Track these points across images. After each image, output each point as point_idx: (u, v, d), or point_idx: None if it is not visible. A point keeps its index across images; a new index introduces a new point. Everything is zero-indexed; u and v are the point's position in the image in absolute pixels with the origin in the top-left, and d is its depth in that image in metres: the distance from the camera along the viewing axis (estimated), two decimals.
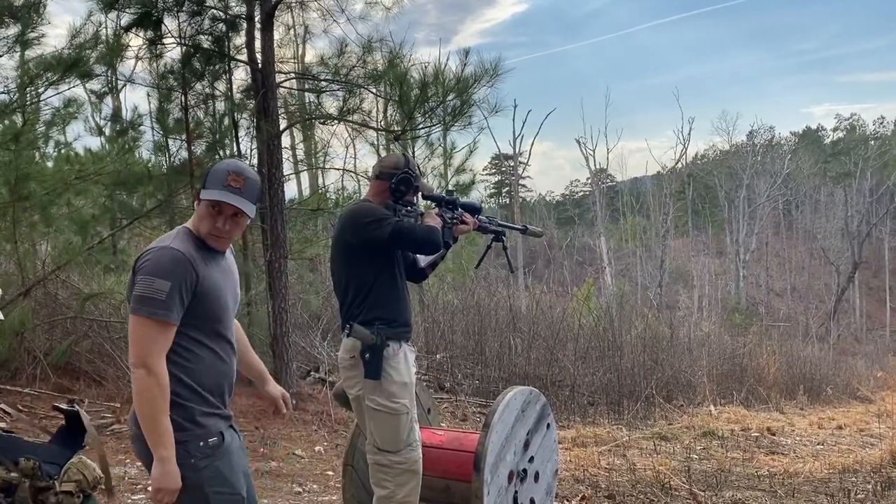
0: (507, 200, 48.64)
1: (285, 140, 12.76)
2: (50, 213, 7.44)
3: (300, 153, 16.51)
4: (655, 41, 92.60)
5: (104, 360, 7.35)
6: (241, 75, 8.36)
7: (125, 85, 8.82)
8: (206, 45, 7.62)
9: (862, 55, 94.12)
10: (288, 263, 7.74)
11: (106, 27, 7.43)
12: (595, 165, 43.21)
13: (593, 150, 41.42)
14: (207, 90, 7.88)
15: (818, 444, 8.26)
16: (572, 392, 9.92)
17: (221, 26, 7.62)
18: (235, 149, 8.06)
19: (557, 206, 59.64)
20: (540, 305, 12.84)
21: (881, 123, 59.23)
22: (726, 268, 46.11)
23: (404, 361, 3.27)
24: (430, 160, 13.49)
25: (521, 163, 37.98)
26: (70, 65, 6.83)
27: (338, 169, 16.08)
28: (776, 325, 29.21)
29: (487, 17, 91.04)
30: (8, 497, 3.04)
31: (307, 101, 8.82)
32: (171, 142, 7.98)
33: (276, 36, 7.62)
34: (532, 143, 48.42)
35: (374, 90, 7.90)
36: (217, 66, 7.78)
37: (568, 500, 5.12)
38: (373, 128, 8.71)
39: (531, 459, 3.76)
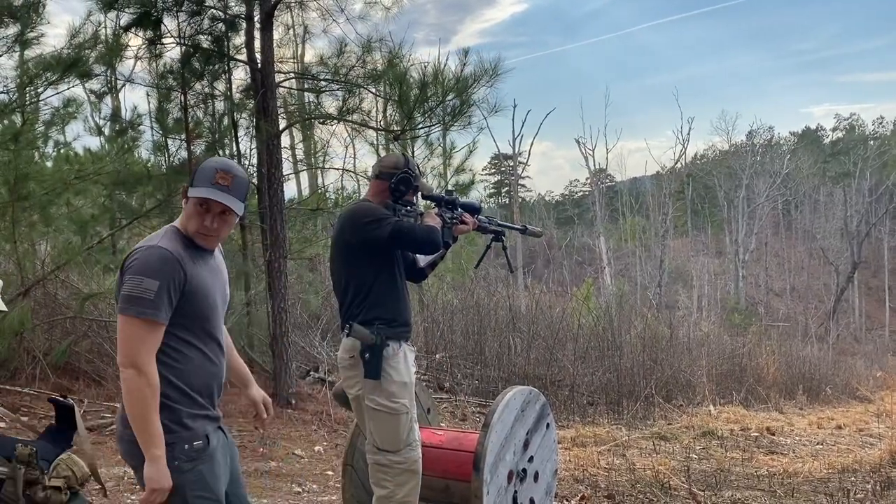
0: (507, 200, 48.66)
1: (285, 140, 12.79)
2: (49, 213, 7.44)
3: (300, 153, 16.54)
4: (655, 41, 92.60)
5: (104, 360, 7.35)
6: (240, 75, 8.38)
7: (124, 85, 8.83)
8: (205, 44, 7.63)
9: (861, 55, 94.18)
10: (287, 263, 7.74)
11: (105, 27, 7.43)
12: (594, 165, 43.21)
13: (593, 150, 41.33)
14: (207, 90, 7.88)
15: (817, 443, 8.26)
16: (572, 392, 9.92)
17: (221, 26, 7.62)
18: (235, 148, 8.07)
19: (557, 206, 59.64)
20: (539, 305, 12.83)
21: (880, 123, 59.31)
22: (725, 268, 46.12)
23: (404, 361, 3.27)
24: (429, 160, 13.51)
25: (520, 163, 38.00)
26: (69, 64, 6.82)
27: (337, 169, 16.10)
28: (775, 325, 29.22)
29: (487, 17, 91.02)
30: None
31: (307, 100, 8.83)
32: (170, 141, 7.98)
33: (276, 36, 7.64)
34: (531, 143, 48.38)
35: (373, 90, 7.91)
36: (216, 66, 7.78)
37: (567, 500, 5.13)
38: (372, 127, 8.72)
39: (531, 459, 3.76)
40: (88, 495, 4.53)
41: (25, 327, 6.70)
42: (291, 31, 9.22)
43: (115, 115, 9.36)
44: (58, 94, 7.24)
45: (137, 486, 4.86)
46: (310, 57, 9.99)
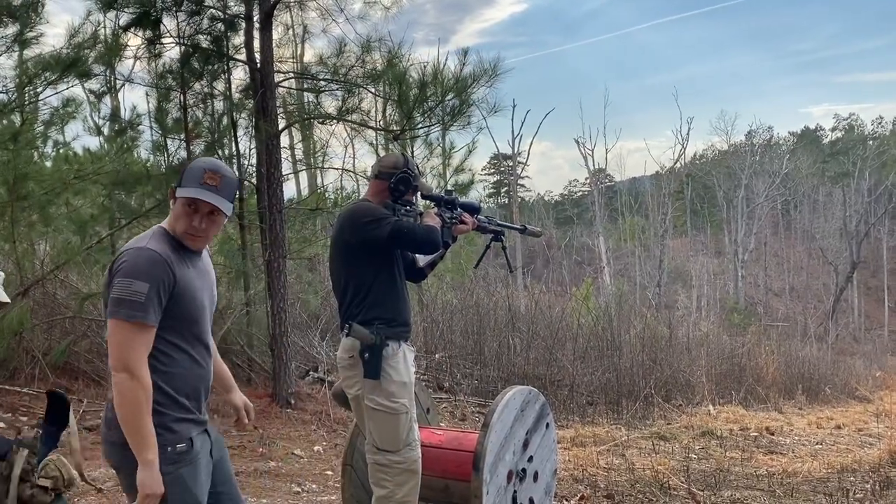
0: (506, 200, 48.63)
1: (284, 140, 12.78)
2: (48, 213, 7.43)
3: (299, 153, 16.55)
4: (654, 41, 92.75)
5: (103, 360, 7.34)
6: (239, 75, 8.39)
7: (124, 84, 8.81)
8: (204, 44, 7.62)
9: (860, 55, 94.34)
10: (287, 263, 7.74)
11: (104, 27, 7.42)
12: (594, 165, 43.23)
13: (592, 150, 41.35)
14: (206, 90, 7.88)
15: (817, 443, 8.26)
16: (571, 392, 9.92)
17: (220, 26, 7.62)
18: (234, 148, 8.07)
19: (556, 206, 59.66)
20: (539, 305, 12.84)
21: (879, 123, 59.37)
22: (725, 267, 46.15)
23: (403, 361, 3.27)
24: (428, 160, 13.52)
25: (519, 163, 38.02)
26: (69, 64, 6.82)
27: (337, 168, 16.12)
28: (775, 324, 29.23)
29: (486, 17, 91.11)
30: None
31: (306, 100, 8.82)
32: (169, 141, 7.98)
33: (275, 35, 7.63)
34: (531, 143, 48.49)
35: (372, 90, 7.91)
36: (216, 66, 7.78)
37: (567, 500, 5.13)
38: (372, 127, 8.72)
39: (530, 459, 3.76)
40: (84, 497, 4.53)
41: (24, 327, 6.69)
42: (291, 31, 9.23)
43: (115, 115, 9.35)
44: (57, 93, 7.24)
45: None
46: (309, 57, 9.99)
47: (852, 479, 5.95)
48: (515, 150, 34.17)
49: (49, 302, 7.93)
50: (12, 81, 7.03)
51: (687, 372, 11.86)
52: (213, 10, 7.54)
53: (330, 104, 8.23)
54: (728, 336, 16.70)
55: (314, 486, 5.37)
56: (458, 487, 3.60)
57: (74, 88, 7.58)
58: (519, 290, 18.69)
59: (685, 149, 44.78)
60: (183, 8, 7.30)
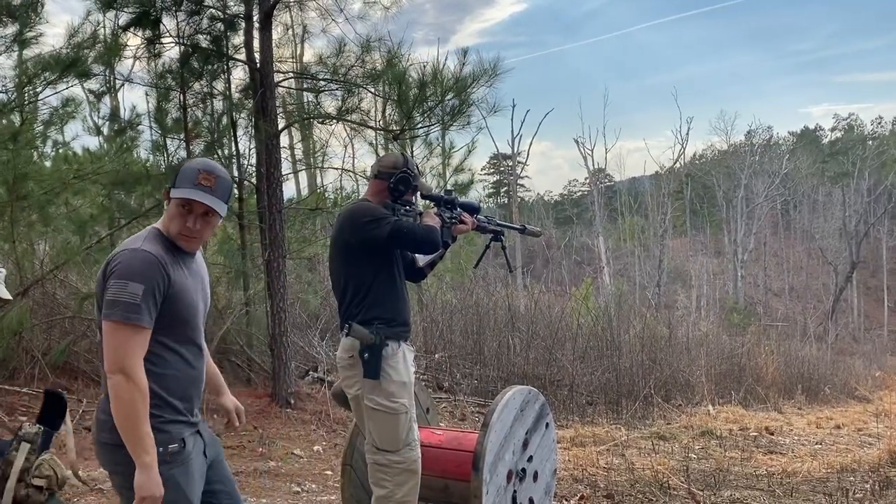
0: (506, 200, 48.65)
1: (284, 139, 12.79)
2: (48, 213, 7.42)
3: (298, 153, 16.54)
4: (653, 41, 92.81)
5: (102, 360, 7.34)
6: (239, 75, 8.38)
7: (123, 84, 8.83)
8: (204, 44, 7.62)
9: (860, 55, 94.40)
10: (286, 263, 7.73)
11: (104, 26, 7.41)
12: (593, 165, 43.26)
13: (591, 150, 41.48)
14: (206, 89, 7.88)
15: (816, 443, 8.26)
16: (571, 392, 9.92)
17: (220, 26, 7.61)
18: (234, 148, 8.07)
19: (556, 206, 59.67)
20: (538, 305, 12.83)
21: (879, 123, 59.40)
22: (724, 267, 46.16)
23: (403, 361, 3.27)
24: (428, 160, 13.51)
25: (519, 162, 38.02)
26: (68, 64, 6.81)
27: (336, 168, 16.09)
28: (774, 324, 29.23)
29: (486, 17, 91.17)
30: None
31: (306, 100, 8.82)
32: (169, 141, 7.98)
33: (275, 35, 7.63)
34: (530, 143, 48.66)
35: (372, 90, 7.90)
36: (215, 66, 7.78)
37: (567, 500, 5.12)
38: (371, 127, 8.71)
39: (530, 459, 3.75)
40: (84, 497, 4.53)
41: (24, 327, 6.69)
42: (290, 31, 9.22)
43: (114, 115, 9.35)
44: (56, 93, 7.23)
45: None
46: (309, 56, 10.00)
47: (852, 478, 5.95)
48: (515, 149, 34.17)
49: (48, 302, 7.93)
50: (12, 81, 7.03)
51: (686, 372, 11.86)
52: (213, 10, 7.54)
53: (329, 104, 8.23)
54: (727, 336, 16.70)
55: (314, 485, 5.37)
56: (458, 487, 3.59)
57: (74, 88, 7.59)
58: (518, 289, 18.69)
59: (685, 149, 44.99)
60: (182, 8, 7.30)
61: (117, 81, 8.71)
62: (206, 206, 2.18)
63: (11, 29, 6.76)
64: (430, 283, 12.17)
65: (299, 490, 5.23)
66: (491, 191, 53.07)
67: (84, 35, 7.09)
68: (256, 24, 7.40)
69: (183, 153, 7.63)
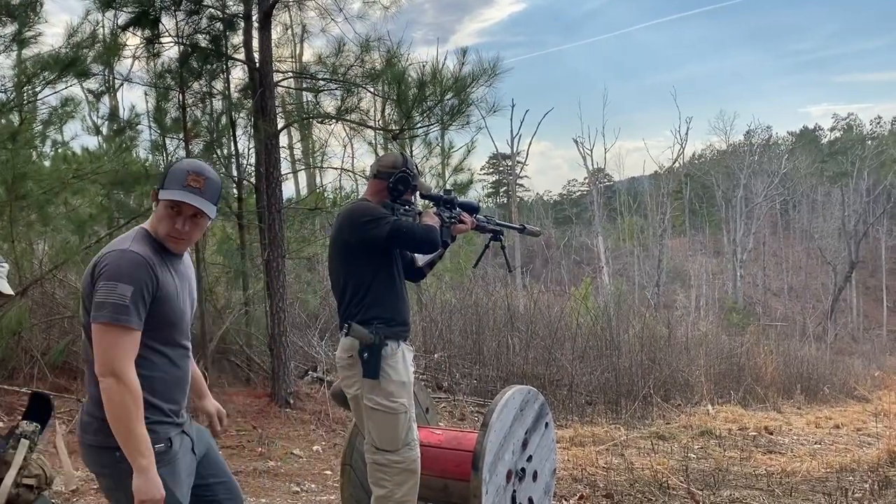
0: (505, 200, 48.66)
1: (283, 139, 12.76)
2: (47, 213, 7.42)
3: (298, 152, 16.53)
4: (653, 41, 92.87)
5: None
6: (238, 74, 8.37)
7: (122, 84, 8.83)
8: (203, 44, 7.61)
9: (859, 55, 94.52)
10: (286, 263, 7.73)
11: (103, 26, 7.41)
12: (592, 165, 43.30)
13: (591, 150, 41.52)
14: (205, 89, 7.87)
15: (815, 443, 8.27)
16: (570, 391, 9.92)
17: (219, 25, 7.60)
18: (233, 148, 8.06)
19: (555, 206, 59.69)
20: (538, 305, 12.83)
21: (878, 123, 59.48)
22: (723, 267, 46.18)
23: (402, 360, 3.27)
24: (427, 159, 13.52)
25: (518, 162, 38.05)
26: (67, 64, 6.81)
27: (336, 168, 16.14)
28: (773, 324, 29.25)
29: (485, 17, 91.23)
30: None
31: (305, 100, 8.82)
32: (168, 141, 7.97)
33: (274, 35, 7.62)
34: (530, 143, 48.73)
35: (371, 89, 7.90)
36: (214, 66, 7.77)
37: (566, 500, 5.12)
38: (371, 127, 8.72)
39: (529, 458, 3.75)
40: (83, 497, 4.53)
41: (23, 327, 6.68)
42: (290, 31, 9.20)
43: (113, 115, 9.35)
44: (55, 93, 7.24)
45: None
46: (308, 56, 9.99)
47: (851, 478, 5.95)
48: (514, 149, 34.21)
49: (48, 301, 7.93)
50: (11, 81, 7.03)
51: (686, 372, 11.86)
52: (212, 10, 7.54)
53: (329, 104, 8.23)
54: (727, 336, 16.69)
55: (313, 485, 5.37)
56: (458, 487, 3.59)
57: (73, 88, 7.60)
58: (518, 289, 18.69)
59: (684, 148, 45.05)
60: (181, 7, 7.29)
61: (116, 81, 8.72)
62: (195, 209, 2.15)
63: (10, 28, 6.77)
64: (429, 282, 12.17)
65: (299, 490, 5.23)
66: (490, 190, 53.14)
67: (83, 34, 7.09)
68: (255, 24, 7.40)
69: (182, 153, 7.63)
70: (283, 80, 7.93)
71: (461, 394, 9.31)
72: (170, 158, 7.92)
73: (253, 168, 7.80)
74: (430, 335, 10.62)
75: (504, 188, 50.59)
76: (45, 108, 7.47)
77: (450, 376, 9.81)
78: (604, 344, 11.33)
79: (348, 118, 8.02)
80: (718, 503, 5.11)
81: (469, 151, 14.50)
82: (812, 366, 15.49)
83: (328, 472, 5.73)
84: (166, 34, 7.36)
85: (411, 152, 11.74)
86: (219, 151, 8.00)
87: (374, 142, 12.86)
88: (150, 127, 8.19)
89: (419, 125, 7.76)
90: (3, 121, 7.24)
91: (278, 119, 7.75)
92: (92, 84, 8.19)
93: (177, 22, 7.37)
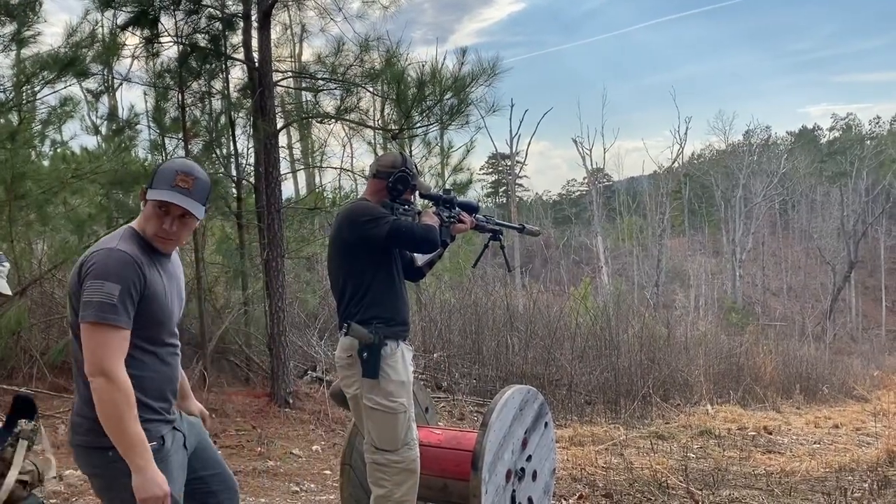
0: (504, 200, 48.68)
1: (282, 139, 12.72)
2: (46, 212, 7.42)
3: (297, 152, 16.53)
4: (652, 41, 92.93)
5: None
6: (237, 74, 8.37)
7: (121, 84, 8.83)
8: (202, 43, 7.61)
9: (858, 55, 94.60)
10: (285, 262, 7.73)
11: (102, 26, 7.41)
12: (592, 165, 43.33)
13: (590, 150, 41.50)
14: (204, 89, 7.87)
15: (815, 442, 8.27)
16: (569, 391, 9.92)
17: (218, 25, 7.60)
18: (232, 147, 8.07)
19: (554, 206, 59.70)
20: (537, 304, 12.84)
21: (877, 123, 59.53)
22: (723, 267, 46.21)
23: (402, 360, 3.26)
24: (427, 159, 13.50)
25: (517, 162, 38.05)
26: (66, 63, 6.81)
27: (335, 168, 16.09)
28: (772, 324, 29.28)
29: (484, 17, 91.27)
30: None
31: (304, 99, 8.82)
32: (167, 141, 7.97)
33: (273, 35, 7.62)
34: (529, 143, 48.51)
35: (371, 89, 7.90)
36: (214, 65, 7.77)
37: (565, 499, 5.12)
38: (370, 126, 8.72)
39: (529, 458, 3.75)
40: (83, 497, 4.53)
41: (22, 326, 6.69)
42: (289, 30, 9.22)
43: (112, 114, 9.35)
44: (55, 92, 7.24)
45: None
46: (307, 56, 10.01)
47: (850, 478, 5.95)
48: (513, 149, 34.24)
49: (47, 301, 7.93)
50: (10, 80, 7.03)
51: (685, 371, 11.87)
52: (211, 10, 7.54)
53: (328, 103, 8.23)
54: (726, 335, 16.70)
55: (312, 485, 5.36)
56: (457, 486, 3.59)
57: (72, 87, 7.59)
58: (517, 289, 18.70)
59: (683, 148, 45.07)
60: (181, 7, 7.29)
61: (115, 81, 8.72)
62: (184, 209, 2.14)
63: (9, 28, 6.77)
64: (428, 282, 12.17)
65: (298, 490, 5.23)
66: (489, 190, 53.14)
67: (82, 34, 7.10)
68: (255, 24, 7.40)
69: (181, 152, 7.63)
70: (283, 79, 7.93)
71: (460, 393, 9.31)
72: (169, 158, 7.92)
73: (252, 168, 7.80)
74: (430, 335, 10.62)
75: (503, 188, 50.62)
76: (44, 107, 7.48)
77: (449, 376, 9.81)
78: (603, 344, 11.34)
79: (347, 118, 8.02)
80: (718, 503, 5.11)
81: (468, 151, 14.50)
82: (811, 366, 15.51)
83: (327, 472, 5.72)
84: (165, 34, 7.37)
85: (410, 152, 11.74)
86: (218, 151, 8.00)
87: (373, 141, 12.87)
88: (149, 127, 8.20)
89: (418, 125, 7.76)
90: (2, 120, 7.24)
91: (277, 119, 7.75)
92: (91, 84, 8.20)
93: (176, 21, 7.37)
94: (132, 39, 7.36)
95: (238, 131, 7.96)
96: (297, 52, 11.06)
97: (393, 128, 7.94)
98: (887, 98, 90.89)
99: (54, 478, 3.69)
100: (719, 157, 53.51)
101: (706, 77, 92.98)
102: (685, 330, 15.07)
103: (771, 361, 13.87)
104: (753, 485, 5.70)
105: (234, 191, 8.17)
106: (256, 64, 7.36)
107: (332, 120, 8.43)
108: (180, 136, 7.63)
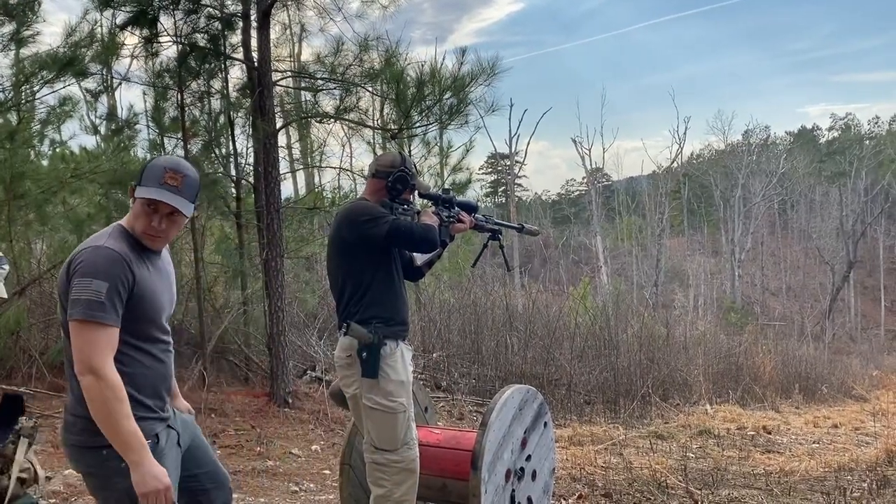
0: (504, 199, 48.68)
1: (281, 139, 12.71)
2: (45, 212, 7.42)
3: (296, 152, 16.53)
4: (651, 40, 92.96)
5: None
6: (237, 74, 8.37)
7: (121, 83, 8.83)
8: (201, 43, 7.61)
9: (857, 55, 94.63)
10: (284, 262, 7.73)
11: (101, 25, 7.42)
12: (591, 165, 43.31)
13: (589, 150, 41.40)
14: (203, 89, 7.87)
15: (814, 442, 8.27)
16: (569, 391, 9.92)
17: (217, 24, 7.60)
18: (231, 147, 8.06)
19: (553, 206, 59.68)
20: (536, 304, 12.85)
21: (876, 123, 59.56)
22: (722, 267, 46.23)
23: (401, 360, 3.26)
24: (426, 159, 13.53)
25: (517, 162, 38.06)
26: (65, 63, 6.81)
27: (334, 167, 16.12)
28: (771, 324, 29.28)
29: (483, 17, 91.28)
30: None
31: (303, 99, 8.82)
32: (166, 140, 7.96)
33: (273, 34, 7.62)
34: (528, 143, 48.78)
35: (370, 89, 7.90)
36: (213, 65, 7.77)
37: (565, 499, 5.13)
38: (369, 126, 8.72)
39: (528, 458, 3.75)
40: (82, 497, 4.53)
41: (21, 326, 6.68)
42: (288, 30, 9.21)
43: (112, 114, 9.35)
44: (54, 92, 7.24)
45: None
46: (307, 55, 10.02)
47: (849, 477, 5.96)
48: (513, 149, 34.26)
49: (46, 301, 7.92)
50: (9, 80, 7.02)
51: (684, 371, 11.87)
52: (211, 9, 7.53)
53: (327, 103, 8.23)
54: (725, 335, 16.71)
55: (312, 485, 5.36)
56: (457, 486, 3.59)
57: (71, 87, 7.59)
58: (516, 289, 18.71)
59: (682, 148, 45.03)
60: (180, 6, 7.29)
61: (114, 80, 8.72)
62: (172, 207, 2.14)
63: (8, 27, 6.77)
64: (428, 282, 12.17)
65: (297, 489, 5.23)
66: (489, 190, 53.11)
67: (81, 34, 7.09)
68: (254, 23, 7.40)
69: (180, 152, 7.63)
70: (282, 79, 7.92)
71: (460, 393, 9.31)
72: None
73: (251, 167, 7.80)
74: (429, 335, 10.62)
75: (502, 188, 50.61)
76: (43, 107, 7.48)
77: (448, 376, 9.82)
78: (602, 343, 11.34)
79: (347, 117, 8.02)
80: (717, 502, 5.11)
81: (467, 151, 14.53)
82: (810, 365, 15.52)
83: (327, 472, 5.72)
84: (164, 33, 7.36)
85: (410, 151, 11.75)
86: (217, 151, 8.00)
87: (372, 141, 12.87)
88: (148, 126, 8.20)
89: (418, 124, 7.76)
90: (1, 120, 7.24)
91: (277, 118, 7.75)
92: (90, 83, 8.19)
93: (175, 21, 7.37)
94: (131, 39, 7.37)
95: (237, 131, 7.97)
96: (296, 51, 11.06)
97: (392, 127, 7.94)
98: (886, 98, 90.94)
99: (48, 478, 3.71)
100: (718, 157, 53.51)
101: (705, 77, 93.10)
102: (684, 330, 15.07)
103: (770, 361, 13.87)
104: (752, 484, 5.71)
105: (233, 190, 8.17)
106: (255, 63, 7.36)
107: (332, 120, 8.43)
108: (179, 135, 7.63)
